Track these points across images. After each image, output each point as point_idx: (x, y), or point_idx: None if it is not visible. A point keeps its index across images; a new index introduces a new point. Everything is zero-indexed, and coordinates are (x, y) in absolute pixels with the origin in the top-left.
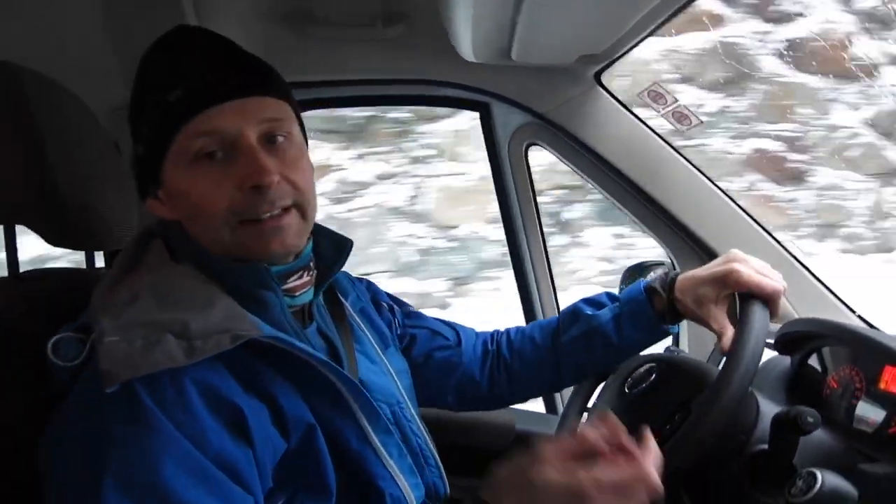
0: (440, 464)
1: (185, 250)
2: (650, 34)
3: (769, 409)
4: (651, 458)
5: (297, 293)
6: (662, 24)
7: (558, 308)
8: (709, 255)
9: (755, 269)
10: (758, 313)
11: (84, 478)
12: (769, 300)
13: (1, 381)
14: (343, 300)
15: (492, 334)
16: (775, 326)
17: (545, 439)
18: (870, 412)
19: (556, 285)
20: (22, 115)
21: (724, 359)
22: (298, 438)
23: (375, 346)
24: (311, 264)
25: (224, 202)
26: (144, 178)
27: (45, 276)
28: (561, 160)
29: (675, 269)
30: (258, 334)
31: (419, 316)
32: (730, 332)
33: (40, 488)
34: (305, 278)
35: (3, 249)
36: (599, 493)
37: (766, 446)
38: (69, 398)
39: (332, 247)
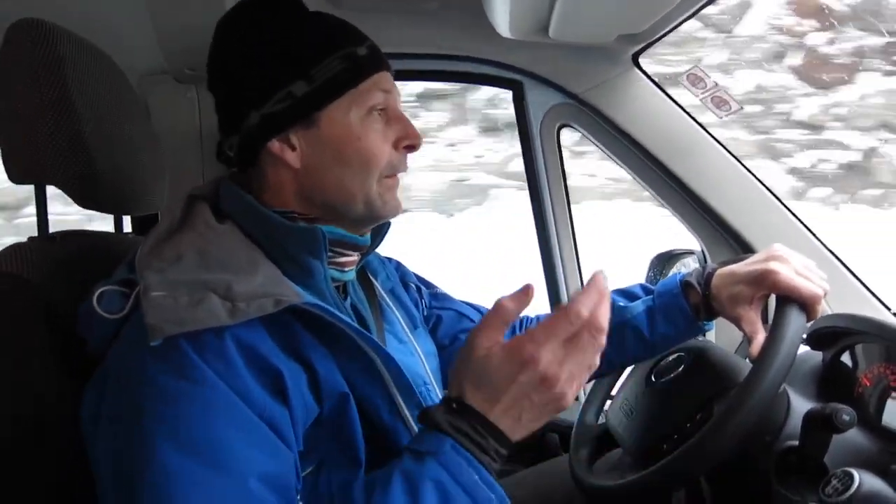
0: None
1: (237, 212)
2: (693, 14)
3: (800, 405)
4: (594, 299)
5: (346, 269)
6: (706, 4)
7: None
8: (741, 245)
9: (796, 270)
10: (792, 319)
11: (133, 430)
12: (807, 305)
13: (26, 342)
14: (373, 280)
15: (520, 319)
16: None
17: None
18: None
19: None
20: (56, 75)
21: (752, 365)
22: (332, 406)
23: (404, 326)
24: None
25: (385, 156)
26: (291, 117)
27: (74, 238)
28: (593, 142)
29: (705, 258)
30: (299, 301)
31: (446, 297)
32: (760, 336)
33: (71, 446)
34: (355, 256)
35: None
36: (541, 349)
37: (795, 443)
38: (112, 353)
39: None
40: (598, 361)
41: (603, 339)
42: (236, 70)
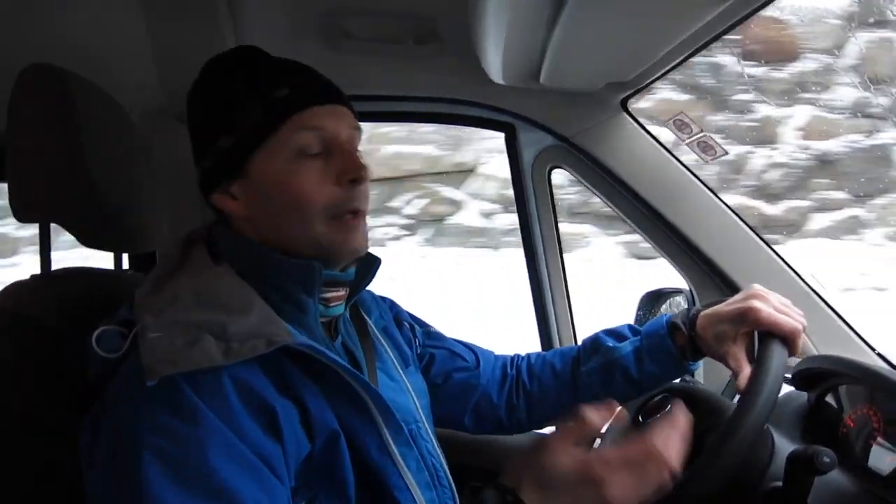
0: (453, 486)
1: (232, 252)
2: (679, 64)
3: (785, 445)
4: (668, 434)
5: (332, 304)
6: (692, 54)
7: (575, 333)
8: (728, 285)
9: (775, 307)
10: (775, 353)
11: (128, 465)
12: (788, 339)
13: (29, 377)
14: (366, 317)
15: (512, 358)
16: (794, 361)
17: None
18: (886, 454)
19: None
20: (65, 118)
21: (739, 398)
22: (322, 443)
23: (396, 364)
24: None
25: (324, 197)
26: (222, 170)
27: (75, 276)
28: (583, 184)
29: (693, 297)
30: (291, 341)
31: (439, 336)
32: (746, 370)
33: (71, 478)
34: (341, 292)
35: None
36: (610, 473)
37: (780, 484)
38: (110, 389)
39: (363, 264)
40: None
41: (666, 475)
42: (189, 128)
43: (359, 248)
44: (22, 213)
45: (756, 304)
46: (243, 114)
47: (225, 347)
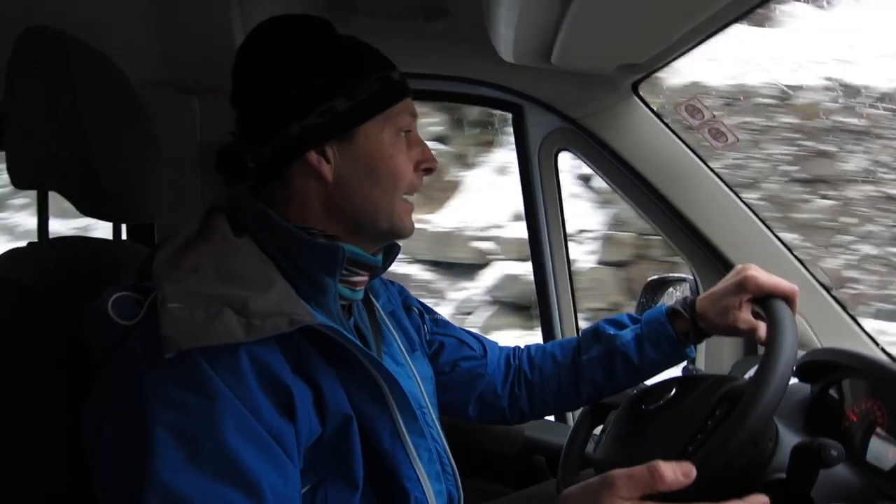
0: (456, 471)
1: (256, 226)
2: (694, 47)
3: (788, 437)
4: None
5: (357, 288)
6: (708, 37)
7: (577, 322)
8: None
9: (768, 275)
10: (783, 308)
11: (140, 440)
12: (788, 299)
13: (25, 349)
14: (374, 301)
15: (513, 349)
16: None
17: (621, 472)
18: (887, 447)
19: None
20: (62, 82)
21: (765, 349)
22: (334, 427)
23: (402, 349)
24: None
25: (409, 175)
26: (331, 129)
27: (73, 245)
28: (590, 167)
29: (697, 285)
30: (313, 321)
31: (447, 324)
32: (763, 326)
33: (74, 450)
34: (366, 276)
35: None
36: None
37: (783, 475)
38: (122, 357)
39: (384, 249)
40: None
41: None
42: (278, 82)
43: (413, 230)
44: (19, 179)
45: (752, 272)
46: (365, 84)
47: (246, 324)
